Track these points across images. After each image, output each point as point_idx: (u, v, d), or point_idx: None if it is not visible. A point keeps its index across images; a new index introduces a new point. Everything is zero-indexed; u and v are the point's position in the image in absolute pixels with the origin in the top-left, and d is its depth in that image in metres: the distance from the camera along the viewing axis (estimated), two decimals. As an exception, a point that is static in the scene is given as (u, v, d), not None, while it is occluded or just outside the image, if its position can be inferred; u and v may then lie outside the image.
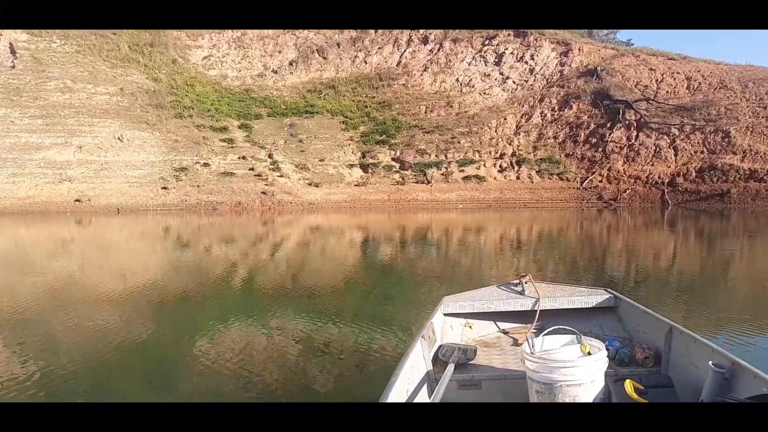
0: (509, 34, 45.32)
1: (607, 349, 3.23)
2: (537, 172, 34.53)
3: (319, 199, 31.98)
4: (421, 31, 47.93)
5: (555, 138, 36.52)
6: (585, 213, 27.17)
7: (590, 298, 4.26)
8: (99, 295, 8.04)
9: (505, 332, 4.23)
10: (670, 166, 31.54)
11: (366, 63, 47.68)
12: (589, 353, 3.05)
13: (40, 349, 5.33)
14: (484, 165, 35.69)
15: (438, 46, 46.57)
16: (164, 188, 31.14)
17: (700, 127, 32.42)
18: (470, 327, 4.23)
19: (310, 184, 33.71)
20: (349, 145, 38.34)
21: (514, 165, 35.36)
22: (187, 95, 40.49)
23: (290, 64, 48.46)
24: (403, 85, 44.19)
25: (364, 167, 36.46)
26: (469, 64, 44.49)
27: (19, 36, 39.57)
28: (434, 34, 47.39)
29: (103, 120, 34.78)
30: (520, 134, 37.36)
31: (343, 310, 6.96)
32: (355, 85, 44.83)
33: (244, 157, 34.93)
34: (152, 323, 6.44)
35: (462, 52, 45.45)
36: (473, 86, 42.55)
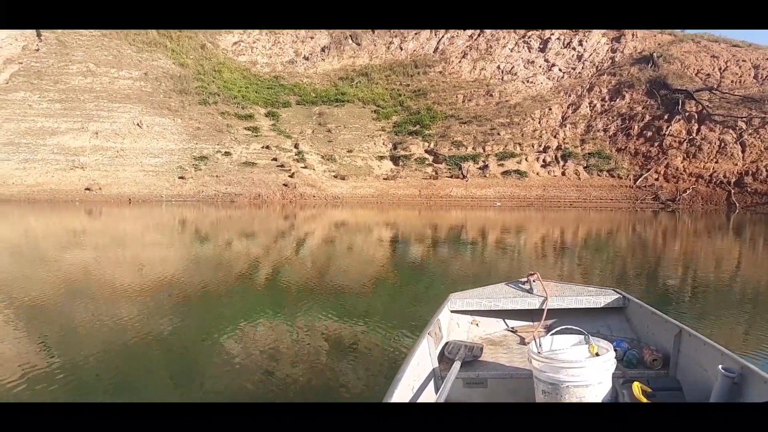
0: (556, 19, 42.01)
1: (615, 350, 3.18)
2: (585, 167, 31.46)
3: (345, 192, 29.73)
4: (461, 15, 45.15)
5: (605, 131, 33.36)
6: (639, 215, 24.38)
7: (599, 298, 4.24)
8: (118, 290, 7.77)
9: (512, 330, 4.20)
10: (737, 164, 28.10)
11: (401, 49, 45.22)
12: (597, 354, 3.00)
13: (62, 344, 5.29)
14: (526, 159, 32.80)
15: (478, 31, 43.68)
16: (181, 178, 29.38)
17: (772, 121, 28.85)
18: (477, 324, 4.21)
19: (335, 177, 31.49)
20: (380, 135, 35.98)
21: (559, 160, 32.35)
22: (213, 81, 38.83)
23: (322, 50, 46.40)
24: (440, 72, 41.58)
25: (395, 159, 34.04)
26: (511, 51, 41.57)
27: (46, 19, 38.41)
28: (475, 18, 44.44)
29: (123, 105, 33.32)
30: (566, 126, 34.29)
31: (371, 310, 6.79)
32: (389, 73, 42.48)
33: (267, 147, 32.96)
34: (173, 319, 6.24)
35: (504, 37, 42.52)
36: (516, 74, 39.61)
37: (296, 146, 33.69)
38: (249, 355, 4.99)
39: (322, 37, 47.16)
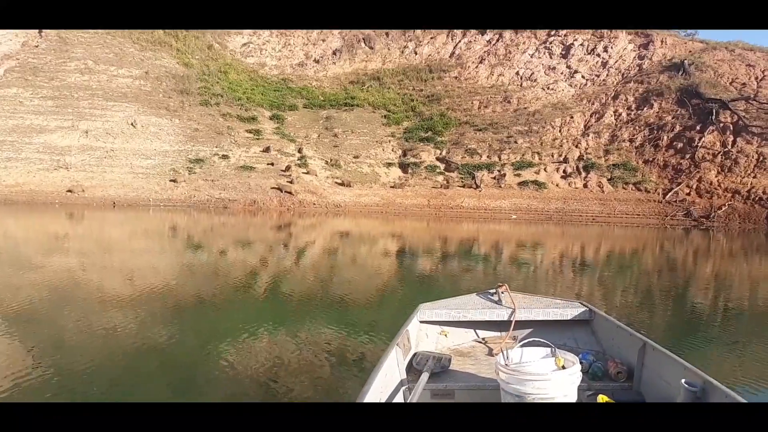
0: (579, 24, 39.83)
1: (581, 363, 3.17)
2: (609, 180, 29.06)
3: (347, 200, 27.60)
4: (479, 19, 43.23)
5: (631, 141, 31.00)
6: (668, 232, 22.12)
7: (565, 310, 4.23)
8: (108, 300, 7.29)
9: (480, 341, 4.21)
10: (777, 179, 25.57)
11: (416, 54, 43.38)
12: (563, 367, 3.01)
13: (52, 355, 4.93)
14: (545, 169, 30.48)
15: (497, 36, 41.79)
16: (173, 181, 27.44)
17: (817, 133, 26.29)
18: (445, 335, 4.20)
19: (339, 184, 29.39)
20: (389, 141, 33.94)
21: (581, 171, 29.99)
22: (218, 82, 37.22)
23: (334, 53, 44.73)
24: (456, 77, 39.62)
25: (404, 167, 31.91)
26: (531, 56, 39.47)
27: (48, 15, 37.17)
28: (493, 23, 42.44)
29: (118, 104, 31.63)
30: (588, 135, 31.97)
31: (377, 325, 6.35)
32: (402, 77, 40.63)
33: (267, 149, 31.00)
34: (168, 330, 5.85)
35: (524, 43, 40.48)
36: (535, 80, 37.46)
37: (299, 151, 31.73)
38: (246, 367, 4.76)
39: (334, 39, 45.50)
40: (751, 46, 35.80)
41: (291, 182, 27.78)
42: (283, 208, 26.20)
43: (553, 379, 2.84)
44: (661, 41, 36.94)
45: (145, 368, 4.78)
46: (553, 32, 40.24)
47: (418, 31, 44.52)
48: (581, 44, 38.68)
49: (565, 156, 30.95)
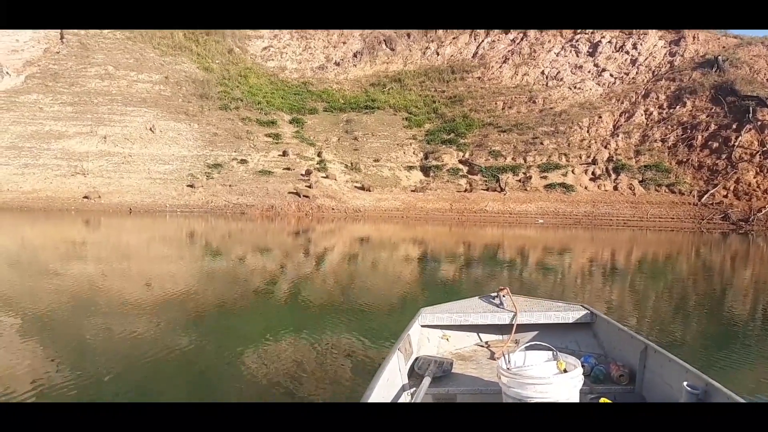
0: (607, 21, 38.60)
1: (583, 366, 3.18)
2: (640, 182, 27.80)
3: (367, 205, 26.85)
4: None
5: (663, 141, 29.69)
6: (704, 237, 20.83)
7: (567, 313, 4.21)
8: (129, 306, 7.12)
9: (481, 345, 4.19)
10: (822, 180, 24.09)
11: (438, 55, 42.59)
12: (565, 370, 3.00)
13: (74, 361, 4.86)
14: (573, 171, 29.34)
15: (521, 35, 40.80)
16: (190, 186, 27.02)
17: None
18: (447, 339, 4.17)
19: (358, 188, 28.68)
20: (410, 144, 33.16)
21: (611, 172, 28.78)
22: (238, 86, 36.97)
23: (354, 56, 44.21)
24: (479, 78, 38.72)
25: (425, 170, 31.08)
26: (557, 55, 38.37)
27: (71, 22, 37.35)
28: (517, 22, 41.45)
29: (137, 109, 31.46)
30: (618, 135, 30.74)
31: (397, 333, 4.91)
32: (424, 79, 39.87)
33: (284, 153, 30.47)
34: (190, 337, 5.69)
35: (550, 41, 39.42)
36: (561, 79, 36.33)
37: (319, 154, 31.14)
38: (269, 374, 4.64)
39: (355, 42, 44.98)
40: (789, 41, 34.19)
41: (310, 187, 27.16)
42: (301, 213, 25.58)
43: (554, 382, 2.82)
44: (693, 37, 35.53)
45: (166, 373, 4.74)
46: (579, 30, 39.09)
47: (440, 32, 43.78)
48: (609, 41, 37.47)
49: (594, 157, 29.79)
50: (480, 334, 4.27)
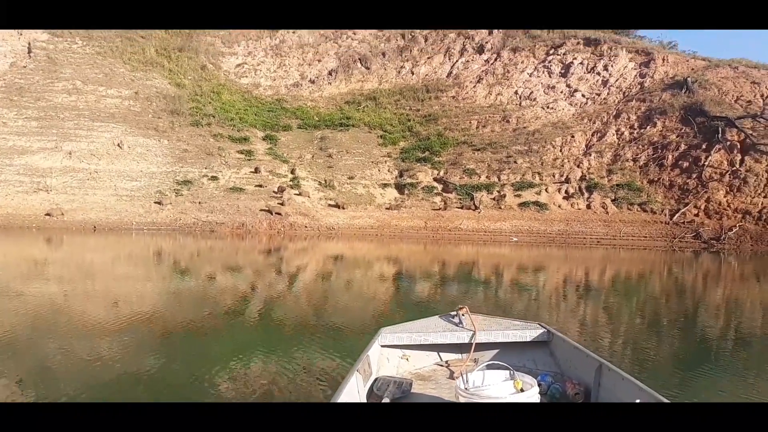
0: (578, 43, 39.37)
1: (539, 384, 3.28)
2: (613, 200, 27.95)
3: (341, 223, 26.45)
4: (476, 39, 42.91)
5: (635, 160, 29.99)
6: (676, 255, 20.89)
7: (524, 332, 4.24)
8: (92, 328, 6.80)
9: (441, 365, 4.18)
10: (790, 199, 24.46)
11: (413, 74, 42.68)
12: (521, 390, 3.05)
13: (34, 386, 4.71)
14: (546, 190, 29.42)
15: (495, 55, 41.12)
16: (158, 203, 26.29)
17: (829, 151, 25.26)
18: (407, 359, 4.15)
19: (332, 205, 28.27)
20: (385, 162, 32.96)
21: (584, 191, 28.91)
22: (210, 102, 36.44)
23: (329, 73, 44.06)
24: (453, 97, 38.83)
25: (400, 188, 30.85)
26: (530, 75, 38.70)
27: (39, 36, 36.67)
28: (491, 42, 42.05)
29: (105, 124, 30.67)
30: (590, 155, 30.99)
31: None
32: (399, 97, 39.87)
33: (257, 170, 29.95)
34: (157, 360, 5.51)
35: (523, 62, 39.77)
36: (534, 99, 36.61)
37: (292, 171, 30.70)
38: (236, 398, 4.48)
39: (330, 60, 44.91)
40: (755, 63, 35.00)
41: (282, 204, 26.66)
42: (273, 231, 25.02)
43: (511, 402, 2.85)
44: (663, 59, 36.19)
45: (133, 397, 4.58)
46: (551, 50, 39.61)
47: (415, 51, 44.02)
48: (581, 63, 37.95)
49: (567, 176, 29.93)
50: (440, 353, 4.24)
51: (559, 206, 28.52)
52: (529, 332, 4.25)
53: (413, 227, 26.67)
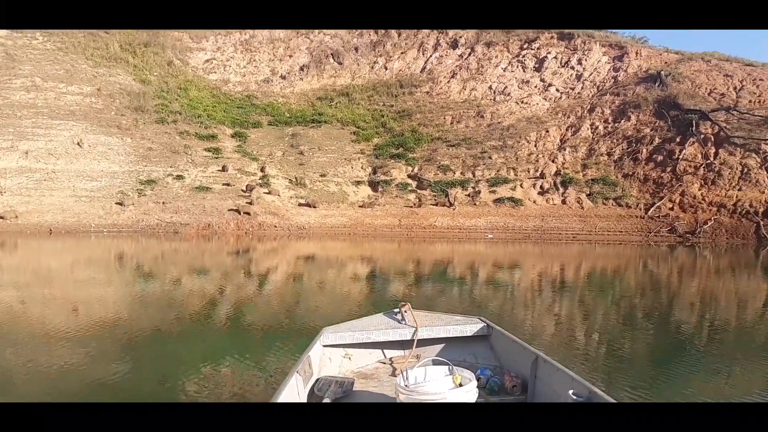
0: (552, 37, 39.09)
1: (479, 378, 3.40)
2: (588, 195, 27.63)
3: (312, 222, 25.65)
4: (450, 34, 42.35)
5: (609, 155, 29.74)
6: (652, 250, 20.66)
7: (465, 327, 4.30)
8: (53, 335, 6.46)
9: (384, 362, 4.19)
10: (763, 192, 24.35)
11: (386, 69, 42.03)
12: (460, 384, 3.09)
13: None
14: (521, 185, 29.00)
15: (469, 50, 40.67)
16: (119, 204, 25.13)
17: (802, 143, 25.23)
18: (349, 358, 4.15)
19: (304, 204, 27.44)
20: (358, 159, 32.22)
21: (559, 186, 28.55)
22: (177, 99, 35.25)
23: (301, 69, 43.17)
24: (427, 92, 38.26)
25: (374, 185, 30.15)
26: (504, 70, 38.32)
27: (-3, 32, 34.97)
28: (465, 37, 41.55)
29: (64, 122, 29.31)
30: (565, 149, 30.67)
31: None
32: (372, 93, 39.17)
33: (224, 168, 28.96)
34: (122, 366, 5.36)
35: (496, 56, 39.38)
36: (509, 94, 36.22)
37: (262, 169, 29.77)
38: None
39: (302, 55, 44.01)
40: (727, 57, 35.08)
41: (251, 203, 25.74)
42: (241, 232, 24.11)
43: (449, 397, 2.87)
44: (636, 53, 36.10)
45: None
46: (525, 45, 39.28)
47: (388, 46, 43.35)
48: (555, 57, 37.68)
49: (542, 171, 29.56)
50: (384, 351, 4.24)
51: (534, 202, 28.12)
52: (469, 327, 4.30)
53: (387, 225, 26.00)
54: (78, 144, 27.99)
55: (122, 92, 33.80)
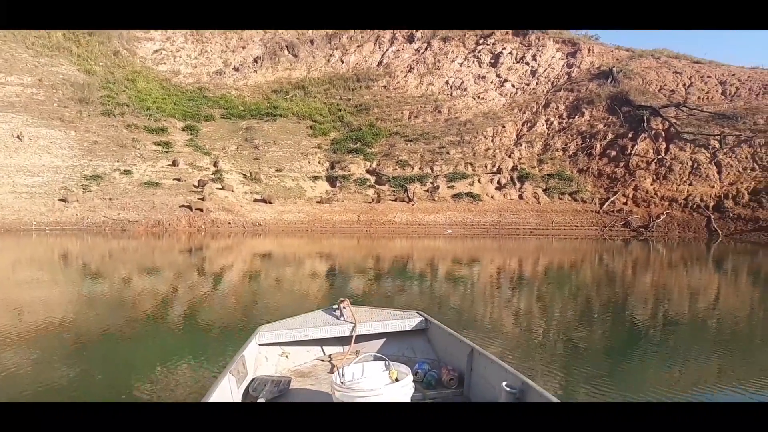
0: (507, 33, 39.32)
1: (416, 372, 3.42)
2: (544, 190, 27.87)
3: (268, 218, 24.94)
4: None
5: (564, 150, 30.12)
6: (607, 244, 20.97)
7: (404, 321, 4.27)
8: None
9: (322, 359, 4.11)
10: (713, 186, 25.06)
11: (342, 62, 41.45)
12: (397, 379, 3.04)
13: None
14: (479, 181, 29.02)
15: (425, 45, 40.49)
16: (63, 200, 23.82)
17: (747, 139, 26.10)
18: (287, 356, 4.07)
19: (259, 200, 26.69)
20: (315, 153, 31.61)
21: (516, 181, 28.71)
22: (125, 91, 33.80)
23: (255, 61, 42.12)
24: (384, 87, 37.93)
25: (332, 180, 29.62)
26: (460, 65, 38.35)
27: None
28: (421, 31, 41.28)
29: (3, 114, 27.55)
30: (521, 145, 30.89)
31: None
32: (329, 86, 38.55)
33: (175, 163, 27.89)
34: (72, 370, 5.12)
35: (453, 51, 39.35)
36: (465, 89, 36.27)
37: (215, 164, 28.81)
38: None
39: (255, 46, 42.94)
40: (676, 54, 36.09)
41: (203, 199, 24.83)
42: (193, 229, 23.20)
43: (385, 393, 2.82)
44: (588, 49, 36.70)
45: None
46: (481, 41, 39.40)
47: (344, 39, 42.76)
48: (510, 53, 37.94)
49: (499, 167, 29.67)
50: (323, 348, 4.20)
51: (492, 197, 28.20)
52: (408, 321, 4.28)
53: (346, 221, 25.56)
54: (18, 137, 26.35)
55: (65, 83, 32.14)
